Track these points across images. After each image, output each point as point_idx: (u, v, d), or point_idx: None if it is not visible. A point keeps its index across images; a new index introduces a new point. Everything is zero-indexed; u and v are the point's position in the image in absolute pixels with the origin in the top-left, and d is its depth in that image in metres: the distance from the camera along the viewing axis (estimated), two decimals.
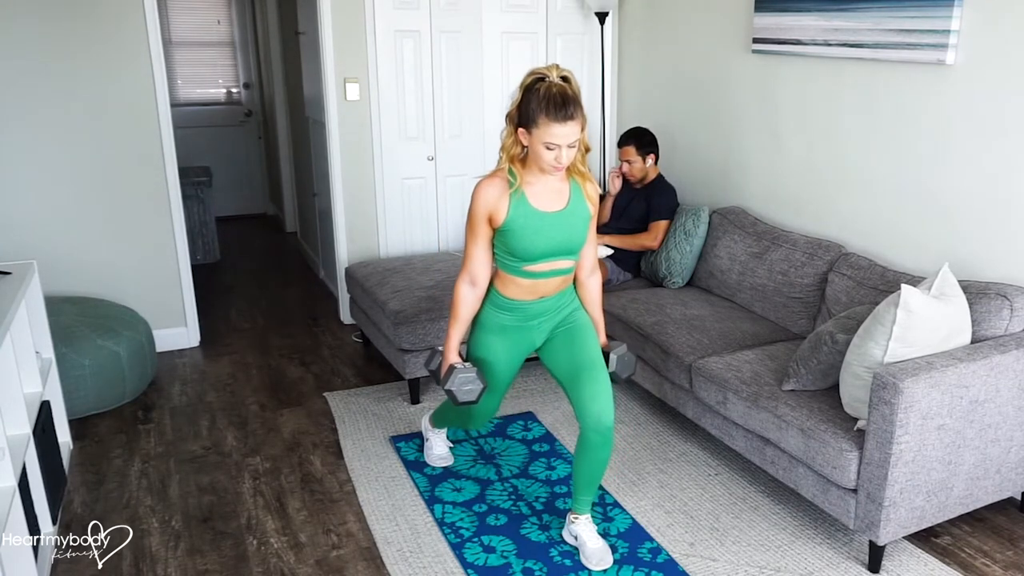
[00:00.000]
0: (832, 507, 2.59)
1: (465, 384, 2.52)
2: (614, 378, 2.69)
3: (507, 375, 2.67)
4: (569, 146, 2.31)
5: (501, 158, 2.43)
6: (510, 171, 2.40)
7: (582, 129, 2.33)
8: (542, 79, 2.30)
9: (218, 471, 3.17)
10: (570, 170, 2.44)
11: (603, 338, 2.71)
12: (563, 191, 2.45)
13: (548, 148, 2.30)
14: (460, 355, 2.61)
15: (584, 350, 2.57)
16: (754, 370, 2.97)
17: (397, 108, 4.49)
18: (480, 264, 2.50)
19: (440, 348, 2.67)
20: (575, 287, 2.68)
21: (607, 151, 4.89)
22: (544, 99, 2.26)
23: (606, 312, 3.62)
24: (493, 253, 2.52)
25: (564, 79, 2.31)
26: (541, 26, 4.72)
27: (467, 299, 2.54)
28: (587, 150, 2.45)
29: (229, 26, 7.22)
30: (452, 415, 2.94)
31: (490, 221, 2.43)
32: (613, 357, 2.67)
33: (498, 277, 2.57)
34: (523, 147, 2.38)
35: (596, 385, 2.48)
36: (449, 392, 2.53)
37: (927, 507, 2.50)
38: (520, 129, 2.34)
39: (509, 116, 2.38)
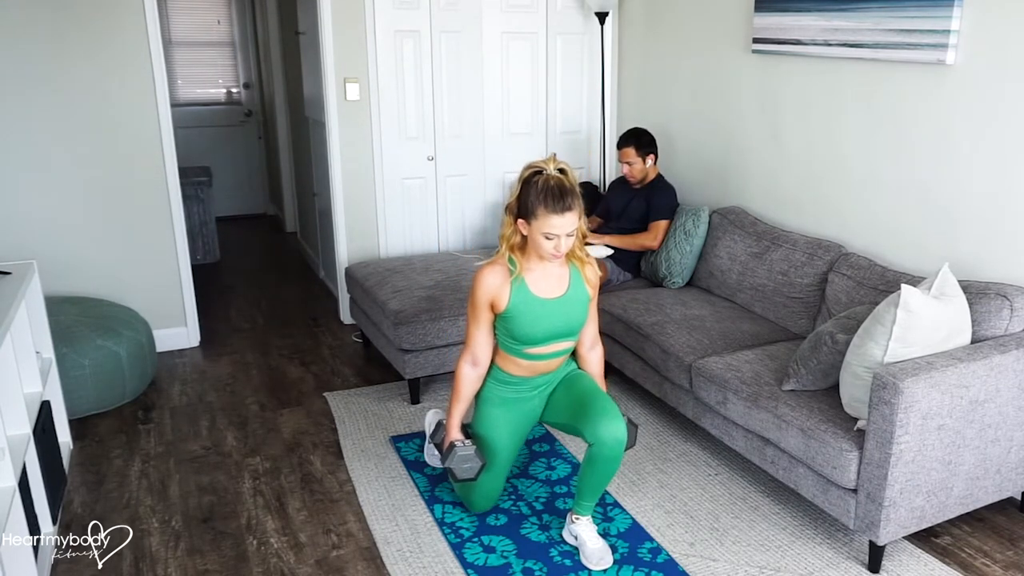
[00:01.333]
0: (832, 507, 2.59)
1: (464, 462, 2.61)
2: None
3: (510, 449, 2.73)
4: (567, 235, 2.40)
5: (501, 247, 2.52)
6: (510, 259, 2.49)
7: (579, 218, 2.41)
8: (539, 172, 2.39)
9: (218, 471, 3.17)
10: (569, 255, 2.52)
11: None
12: (563, 277, 2.54)
13: (547, 238, 2.39)
14: (465, 431, 2.72)
15: (584, 387, 2.65)
16: (754, 370, 2.97)
17: (397, 108, 4.49)
18: (482, 346, 2.61)
19: (444, 420, 2.77)
20: (576, 360, 2.77)
21: (607, 152, 4.89)
22: (542, 192, 2.35)
23: (607, 312, 3.63)
24: (495, 334, 2.61)
25: (561, 171, 2.40)
26: (541, 26, 4.72)
27: (469, 378, 2.65)
28: (584, 236, 2.53)
29: (229, 26, 7.22)
30: (457, 485, 2.95)
31: (492, 307, 2.52)
32: None
33: (499, 355, 2.66)
34: (523, 236, 2.47)
35: (604, 403, 2.52)
36: (448, 470, 2.62)
37: (927, 507, 2.50)
38: (520, 220, 2.44)
39: (508, 208, 2.47)
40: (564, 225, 2.37)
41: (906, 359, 2.47)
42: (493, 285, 2.49)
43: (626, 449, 2.55)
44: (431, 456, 3.16)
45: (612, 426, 2.45)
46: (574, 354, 2.76)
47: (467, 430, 2.77)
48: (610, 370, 3.94)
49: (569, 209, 2.36)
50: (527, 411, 2.72)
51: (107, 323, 3.68)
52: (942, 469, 2.47)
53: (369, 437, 3.40)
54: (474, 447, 2.63)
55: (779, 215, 3.83)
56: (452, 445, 2.62)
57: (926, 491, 2.47)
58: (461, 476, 2.62)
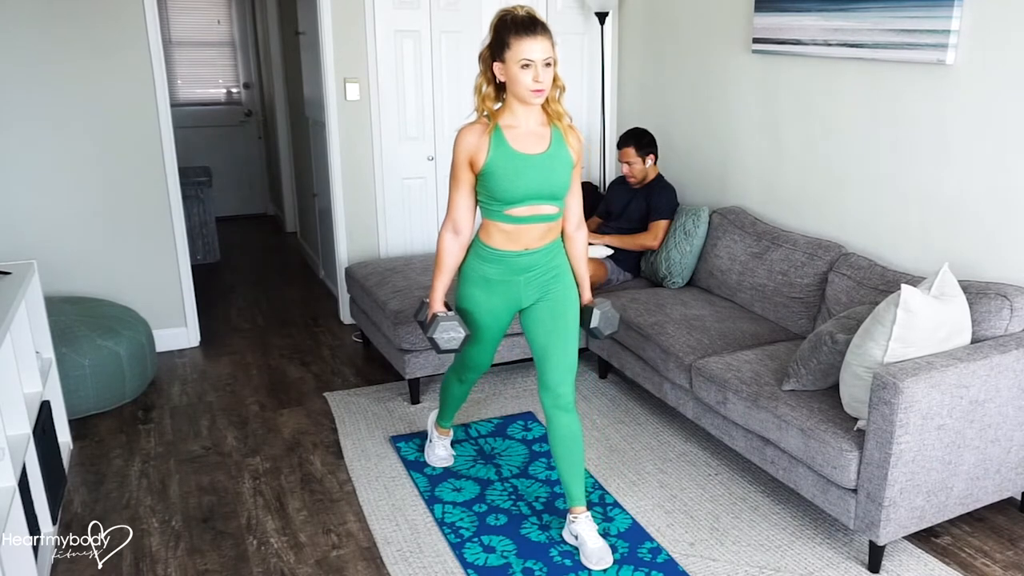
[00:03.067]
0: (832, 507, 2.59)
1: (447, 332, 2.54)
2: (595, 334, 2.76)
3: (494, 330, 2.69)
4: (545, 64, 2.36)
5: (475, 102, 2.49)
6: (487, 116, 2.47)
7: (553, 48, 2.39)
8: (507, 11, 2.41)
9: (218, 471, 3.17)
10: (550, 113, 2.48)
11: (587, 295, 2.75)
12: (544, 135, 2.49)
13: (524, 67, 2.35)
14: (447, 305, 2.65)
15: (561, 325, 2.60)
16: (754, 370, 2.97)
17: (397, 108, 4.49)
18: (463, 212, 2.55)
19: (427, 299, 2.69)
20: (563, 242, 2.69)
21: (607, 151, 4.89)
22: (512, 22, 2.36)
23: None
24: (477, 201, 2.55)
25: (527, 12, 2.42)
26: None
27: (450, 248, 2.59)
28: (562, 89, 2.49)
29: (229, 26, 7.22)
30: (453, 390, 2.95)
31: (471, 166, 2.47)
32: (597, 312, 2.68)
33: (482, 227, 2.59)
34: (498, 86, 2.44)
35: (562, 360, 2.55)
36: (431, 340, 2.56)
37: (927, 507, 2.50)
38: (496, 64, 2.41)
39: (481, 56, 2.46)
40: (539, 50, 2.34)
41: (906, 359, 2.47)
42: (471, 141, 2.45)
43: (609, 334, 2.77)
44: (431, 456, 3.16)
45: (559, 384, 2.53)
46: (563, 237, 2.67)
47: (448, 306, 2.69)
48: (610, 370, 3.96)
49: (541, 32, 2.35)
50: (511, 295, 2.62)
51: (107, 323, 3.68)
52: (942, 469, 2.47)
53: (369, 437, 3.40)
54: (458, 317, 2.57)
55: (779, 215, 3.83)
56: (435, 316, 2.56)
57: (926, 491, 2.47)
58: (444, 347, 2.56)
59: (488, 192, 2.48)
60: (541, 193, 2.48)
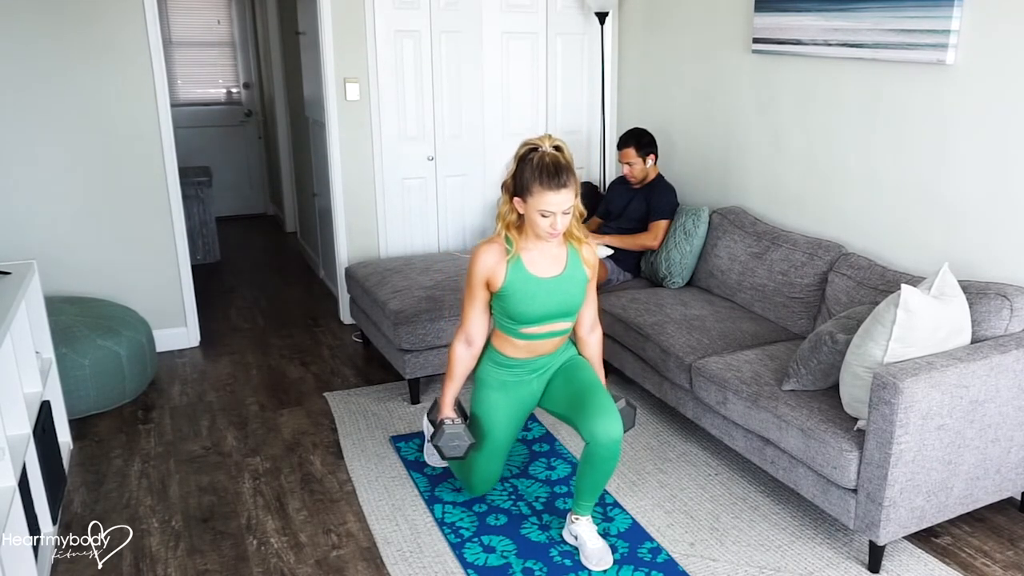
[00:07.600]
0: (832, 507, 2.59)
1: (452, 440, 2.61)
2: None
3: (508, 432, 2.72)
4: (564, 213, 2.39)
5: (498, 226, 2.51)
6: (507, 238, 2.49)
7: (575, 196, 2.40)
8: (535, 149, 2.39)
9: (218, 471, 3.17)
10: (567, 235, 2.52)
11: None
12: (560, 256, 2.53)
13: (543, 215, 2.38)
14: (462, 409, 2.72)
15: (584, 378, 2.63)
16: (754, 370, 2.97)
17: (397, 108, 4.49)
18: (476, 326, 2.60)
19: (439, 400, 2.76)
20: (575, 343, 2.75)
21: (607, 152, 4.89)
22: (537, 168, 2.35)
23: (607, 312, 3.63)
24: (491, 314, 2.60)
25: (556, 148, 2.40)
26: (541, 26, 4.72)
27: (463, 358, 2.65)
28: (582, 216, 2.52)
29: (229, 26, 7.22)
30: (456, 467, 2.96)
31: (488, 285, 2.51)
32: None
33: (496, 336, 2.65)
34: (519, 215, 2.46)
35: (601, 401, 2.50)
36: (436, 448, 2.62)
37: (927, 507, 2.50)
38: (516, 198, 2.43)
39: (505, 186, 2.47)
40: (559, 202, 2.35)
41: (906, 359, 2.47)
42: (489, 263, 2.48)
43: (625, 431, 2.59)
44: (431, 456, 3.16)
45: (607, 426, 2.44)
46: (573, 337, 2.74)
47: (462, 408, 2.77)
48: (610, 370, 3.95)
49: (564, 186, 2.35)
50: (526, 395, 2.70)
51: (107, 323, 3.68)
52: (942, 469, 2.47)
53: (369, 437, 3.40)
54: (463, 426, 2.62)
55: (779, 215, 3.83)
56: (441, 423, 2.63)
57: (926, 491, 2.47)
58: (448, 454, 2.63)
59: (504, 312, 2.54)
60: (556, 314, 2.54)
